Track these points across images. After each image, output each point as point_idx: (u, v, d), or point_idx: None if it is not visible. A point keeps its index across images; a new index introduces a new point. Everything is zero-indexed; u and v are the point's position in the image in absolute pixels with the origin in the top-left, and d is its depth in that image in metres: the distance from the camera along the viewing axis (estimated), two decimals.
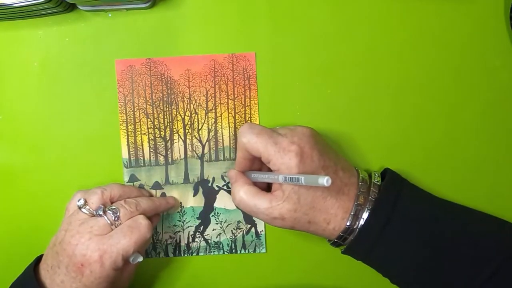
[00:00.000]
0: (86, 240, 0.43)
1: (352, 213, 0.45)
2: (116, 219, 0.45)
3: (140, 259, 0.45)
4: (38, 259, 0.47)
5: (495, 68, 0.51)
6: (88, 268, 0.43)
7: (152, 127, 0.52)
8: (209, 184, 0.52)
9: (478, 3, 0.51)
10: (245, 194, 0.45)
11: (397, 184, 0.48)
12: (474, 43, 0.51)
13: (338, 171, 0.45)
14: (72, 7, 0.51)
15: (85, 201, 0.46)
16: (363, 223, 0.45)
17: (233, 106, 0.52)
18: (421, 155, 0.52)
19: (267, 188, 0.49)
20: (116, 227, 0.45)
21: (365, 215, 0.45)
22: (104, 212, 0.45)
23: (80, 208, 0.45)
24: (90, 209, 0.45)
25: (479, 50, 0.51)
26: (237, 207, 0.52)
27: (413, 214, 0.46)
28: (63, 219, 0.46)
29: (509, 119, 0.52)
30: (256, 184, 0.47)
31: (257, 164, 0.48)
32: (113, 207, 0.45)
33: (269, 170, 0.46)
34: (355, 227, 0.45)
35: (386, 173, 0.48)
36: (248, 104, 0.52)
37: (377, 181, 0.47)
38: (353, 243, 0.46)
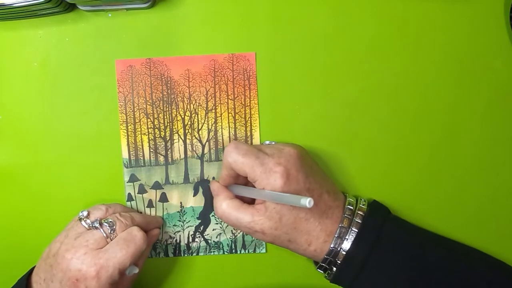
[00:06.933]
0: (81, 255, 0.42)
1: (335, 235, 0.45)
2: (111, 232, 0.44)
3: (136, 271, 0.45)
4: (31, 271, 0.46)
5: (495, 68, 0.51)
6: (83, 283, 0.42)
7: (152, 127, 0.52)
8: (209, 184, 0.52)
9: (478, 3, 0.51)
10: (227, 207, 0.46)
11: (382, 210, 0.48)
12: (474, 43, 0.51)
13: (323, 194, 0.46)
14: (72, 7, 0.51)
15: (88, 214, 0.46)
16: (348, 247, 0.45)
17: (233, 106, 0.52)
18: (421, 156, 0.52)
19: (250, 199, 0.48)
20: (111, 240, 0.44)
21: (350, 237, 0.45)
22: (101, 224, 0.45)
23: (80, 219, 0.45)
24: (90, 223, 0.45)
25: (479, 50, 0.51)
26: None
27: (398, 240, 0.46)
28: (63, 230, 0.46)
29: (509, 119, 0.52)
30: (238, 195, 0.47)
31: (242, 179, 0.48)
32: (110, 220, 0.45)
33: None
34: (339, 249, 0.45)
35: (372, 203, 0.49)
36: (248, 104, 0.52)
37: (363, 205, 0.47)
38: (338, 271, 0.46)
